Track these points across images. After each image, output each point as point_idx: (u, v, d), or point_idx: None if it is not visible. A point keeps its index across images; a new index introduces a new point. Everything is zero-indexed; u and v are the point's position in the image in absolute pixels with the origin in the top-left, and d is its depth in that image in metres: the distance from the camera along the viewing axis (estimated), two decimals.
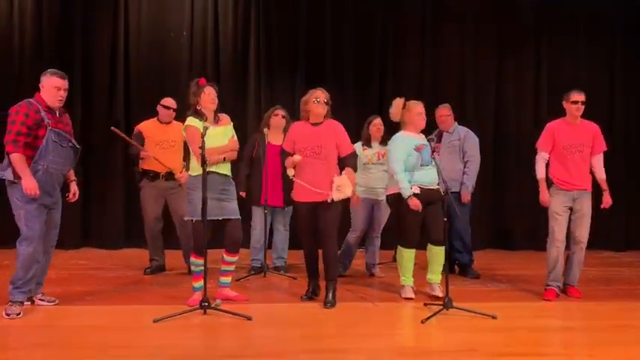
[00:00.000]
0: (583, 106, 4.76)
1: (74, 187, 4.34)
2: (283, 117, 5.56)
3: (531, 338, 3.62)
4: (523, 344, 3.51)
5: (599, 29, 7.85)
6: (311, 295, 4.57)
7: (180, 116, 5.66)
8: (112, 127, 5.52)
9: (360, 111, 7.30)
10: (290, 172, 4.46)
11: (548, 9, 7.80)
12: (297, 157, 4.38)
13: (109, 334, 3.58)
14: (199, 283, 4.22)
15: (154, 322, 3.81)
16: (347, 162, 4.46)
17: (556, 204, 4.74)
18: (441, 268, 4.63)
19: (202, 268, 4.16)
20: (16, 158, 3.85)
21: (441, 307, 4.10)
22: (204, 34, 7.41)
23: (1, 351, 3.23)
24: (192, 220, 4.25)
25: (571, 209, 4.75)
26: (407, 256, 4.65)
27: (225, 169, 4.37)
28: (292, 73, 7.50)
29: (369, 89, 7.63)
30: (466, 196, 5.55)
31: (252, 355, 3.32)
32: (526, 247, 7.54)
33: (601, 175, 4.81)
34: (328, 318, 4.09)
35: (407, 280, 4.70)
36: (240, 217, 4.39)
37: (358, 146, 5.38)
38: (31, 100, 3.98)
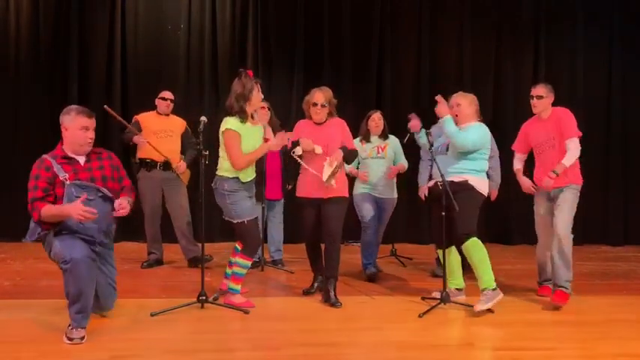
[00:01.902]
0: (539, 101, 4.42)
1: (122, 201, 3.49)
2: (268, 109, 5.41)
3: (527, 332, 3.64)
4: (519, 338, 3.53)
5: (598, 23, 7.82)
6: (316, 289, 4.55)
7: (177, 110, 5.68)
8: (105, 106, 5.18)
9: (359, 101, 7.31)
10: (299, 150, 4.25)
11: (547, 1, 7.78)
12: (318, 149, 4.22)
13: (105, 328, 3.58)
14: (239, 286, 4.15)
15: (152, 315, 3.81)
16: (350, 152, 4.36)
17: (536, 205, 4.58)
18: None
19: (247, 271, 4.16)
20: (45, 213, 3.30)
21: (439, 301, 4.12)
22: (201, 28, 7.38)
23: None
24: (244, 222, 4.07)
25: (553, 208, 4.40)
26: (446, 257, 4.31)
27: (254, 173, 4.25)
28: (290, 65, 7.47)
29: (367, 80, 7.60)
30: (495, 193, 5.39)
31: (250, 348, 3.33)
32: (521, 241, 7.55)
33: (565, 160, 4.26)
34: (326, 312, 4.10)
35: (450, 282, 4.41)
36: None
37: (356, 142, 5.22)
38: (43, 156, 3.48)
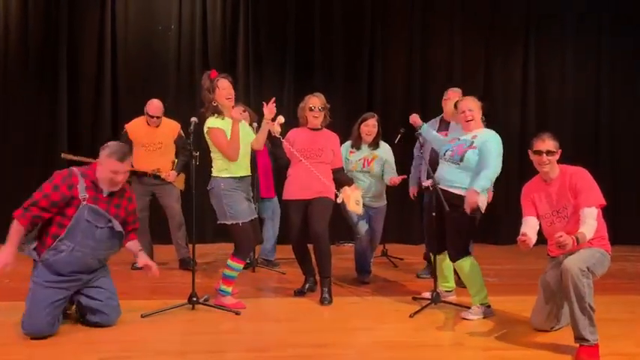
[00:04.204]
0: (551, 157, 3.53)
1: (142, 258, 3.72)
2: (244, 111, 5.29)
3: (518, 332, 3.65)
4: (510, 338, 3.54)
5: (587, 22, 7.84)
6: (307, 290, 4.56)
7: (169, 111, 5.64)
8: (63, 154, 5.36)
9: (350, 99, 7.30)
10: (277, 128, 4.18)
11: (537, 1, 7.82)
12: (281, 119, 4.18)
13: (96, 329, 3.56)
14: (230, 288, 4.13)
15: (142, 317, 3.80)
16: (343, 176, 4.59)
17: (545, 273, 3.73)
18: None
19: (238, 273, 4.13)
20: (14, 227, 3.31)
21: (429, 301, 4.12)
22: (192, 27, 7.35)
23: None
24: (239, 224, 4.02)
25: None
26: (439, 261, 4.27)
27: (249, 169, 4.21)
28: (281, 64, 7.46)
29: (358, 78, 7.60)
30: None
31: (241, 349, 3.33)
32: (512, 241, 7.54)
33: (585, 228, 3.36)
34: (317, 312, 4.10)
35: (442, 285, 4.42)
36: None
37: (346, 146, 5.07)
38: (74, 169, 3.47)
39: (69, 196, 3.36)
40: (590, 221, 3.40)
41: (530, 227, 3.60)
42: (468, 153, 4.03)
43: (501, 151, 4.10)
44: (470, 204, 3.93)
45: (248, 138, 4.18)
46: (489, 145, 4.02)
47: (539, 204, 3.66)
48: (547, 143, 3.53)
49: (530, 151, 3.63)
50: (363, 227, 5.00)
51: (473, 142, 4.06)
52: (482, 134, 4.11)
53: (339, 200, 4.29)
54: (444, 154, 4.20)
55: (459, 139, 4.18)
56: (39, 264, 3.43)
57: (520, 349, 3.36)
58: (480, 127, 4.19)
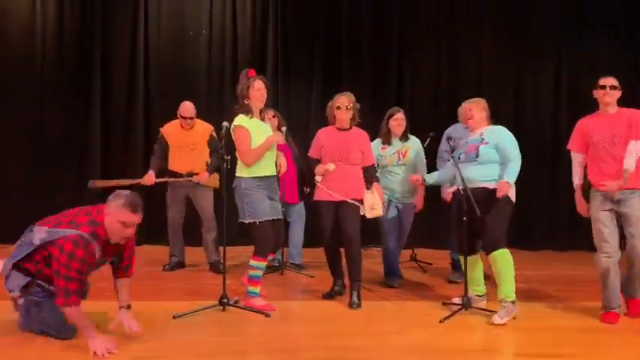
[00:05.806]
0: (613, 92, 4.03)
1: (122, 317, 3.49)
2: (274, 116, 5.37)
3: (549, 339, 3.61)
4: (541, 345, 3.50)
5: (621, 29, 7.71)
6: (336, 294, 4.57)
7: (199, 115, 5.72)
8: (90, 184, 5.59)
9: (378, 105, 7.27)
10: (318, 177, 4.45)
11: (568, 10, 7.69)
12: (330, 166, 4.38)
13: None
14: (257, 289, 4.19)
15: (174, 318, 3.86)
16: (371, 174, 4.57)
17: (593, 208, 4.05)
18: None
19: (262, 272, 4.19)
20: (76, 312, 3.19)
21: (460, 306, 4.10)
22: (222, 32, 7.44)
23: (17, 344, 3.31)
24: (256, 223, 4.09)
25: (617, 213, 3.98)
26: (467, 263, 4.28)
27: (274, 169, 4.28)
28: (309, 71, 7.50)
29: (387, 84, 7.59)
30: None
31: (269, 351, 3.36)
32: (544, 247, 7.44)
33: (626, 164, 3.89)
34: (346, 316, 4.11)
35: (472, 289, 4.37)
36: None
37: (377, 144, 5.08)
38: (85, 235, 3.17)
39: (94, 263, 3.32)
40: (633, 154, 3.88)
41: (578, 164, 4.19)
42: (480, 148, 4.19)
43: (515, 141, 4.25)
44: (501, 192, 4.08)
45: (266, 136, 4.21)
46: (504, 141, 4.20)
47: (594, 131, 4.04)
48: (609, 79, 4.04)
49: (595, 90, 4.08)
50: (388, 216, 4.96)
51: (483, 139, 4.23)
52: (489, 131, 4.29)
53: (361, 212, 4.36)
54: (459, 158, 4.28)
55: (467, 142, 4.34)
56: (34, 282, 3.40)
57: (551, 355, 3.32)
58: (483, 126, 4.34)
